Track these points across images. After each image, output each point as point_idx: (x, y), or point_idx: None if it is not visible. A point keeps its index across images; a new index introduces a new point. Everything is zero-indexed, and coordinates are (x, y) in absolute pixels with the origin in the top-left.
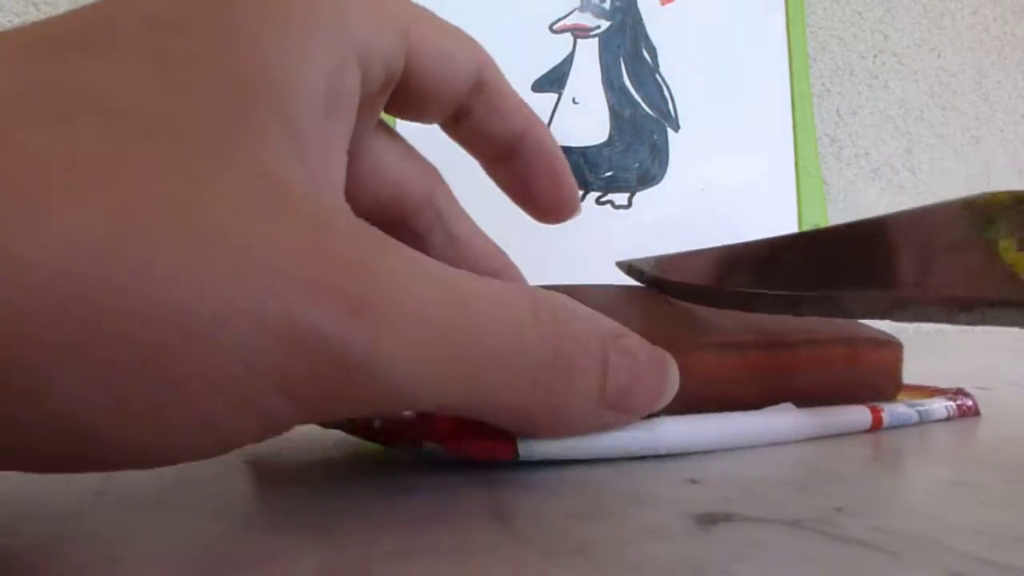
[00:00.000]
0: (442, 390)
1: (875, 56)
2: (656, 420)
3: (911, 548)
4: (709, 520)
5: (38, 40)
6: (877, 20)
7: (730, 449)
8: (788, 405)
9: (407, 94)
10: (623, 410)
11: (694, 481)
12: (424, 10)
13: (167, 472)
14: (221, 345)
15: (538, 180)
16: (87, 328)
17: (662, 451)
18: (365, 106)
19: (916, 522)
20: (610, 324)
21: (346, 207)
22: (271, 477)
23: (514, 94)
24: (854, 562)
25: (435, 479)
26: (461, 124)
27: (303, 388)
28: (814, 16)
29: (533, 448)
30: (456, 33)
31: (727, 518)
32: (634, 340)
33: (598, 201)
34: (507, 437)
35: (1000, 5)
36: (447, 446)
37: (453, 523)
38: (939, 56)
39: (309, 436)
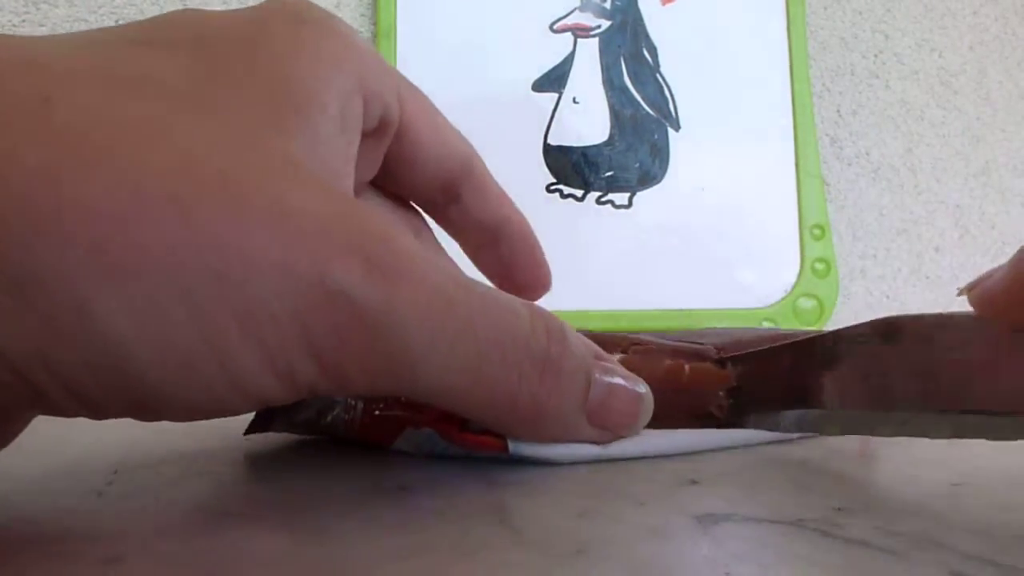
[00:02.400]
0: (446, 365)
1: (876, 56)
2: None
3: (911, 548)
4: (709, 520)
5: (105, 35)
6: (878, 20)
7: (729, 449)
8: None
9: (403, 150)
10: (601, 425)
11: (694, 481)
12: (420, 91)
13: (167, 472)
14: (250, 291)
15: (520, 264)
16: (127, 259)
17: (649, 453)
18: (371, 138)
19: (916, 522)
20: (595, 347)
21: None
22: (271, 478)
23: (498, 185)
24: (854, 562)
25: (436, 479)
26: (452, 209)
27: (323, 343)
28: (815, 16)
29: (523, 445)
30: (448, 123)
31: (727, 518)
32: (616, 366)
33: (598, 201)
34: (501, 440)
35: (1001, 5)
36: (440, 430)
37: (454, 523)
38: (940, 56)
39: (308, 439)
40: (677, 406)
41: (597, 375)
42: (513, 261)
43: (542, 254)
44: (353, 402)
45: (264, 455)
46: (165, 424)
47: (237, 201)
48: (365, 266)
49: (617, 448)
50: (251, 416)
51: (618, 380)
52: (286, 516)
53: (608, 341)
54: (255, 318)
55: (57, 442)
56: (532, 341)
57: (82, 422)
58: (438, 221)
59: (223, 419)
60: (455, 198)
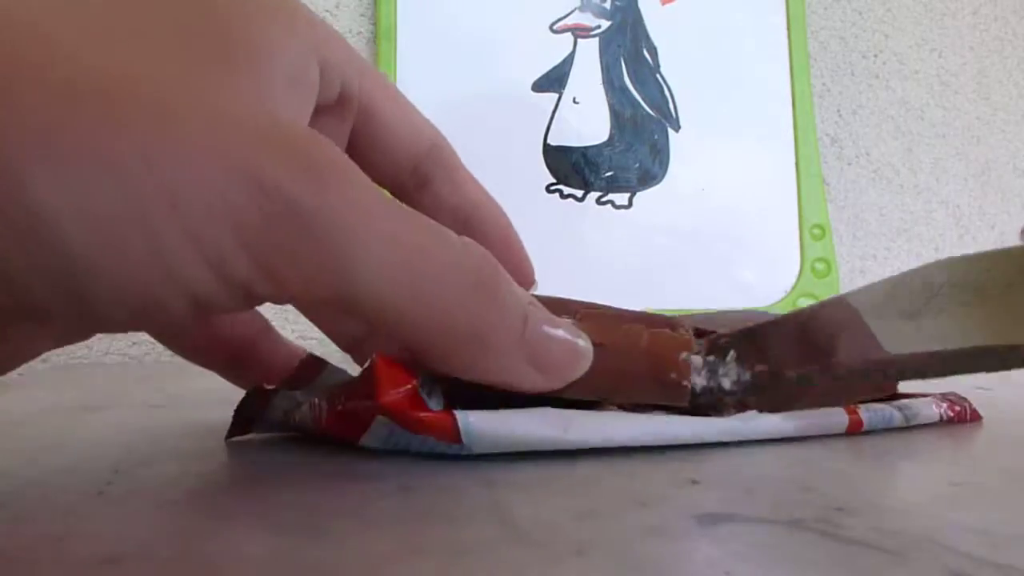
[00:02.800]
0: (380, 272)
1: (876, 56)
2: (610, 414)
3: (911, 548)
4: (709, 520)
5: None
6: (878, 20)
7: (729, 449)
8: (752, 412)
9: (368, 129)
10: (540, 367)
11: (694, 481)
12: (382, 74)
13: (167, 472)
14: (183, 183)
15: (494, 251)
16: (66, 142)
17: (614, 444)
18: (334, 114)
19: (916, 522)
20: (528, 295)
21: None
22: (272, 478)
23: (469, 173)
24: (854, 562)
25: (435, 479)
26: (423, 194)
27: (257, 237)
28: (815, 15)
29: (471, 428)
30: (413, 106)
31: (727, 518)
32: (553, 316)
33: (598, 201)
34: (449, 413)
35: (1001, 5)
36: (392, 413)
37: (453, 523)
38: (940, 56)
39: (305, 438)
40: (636, 370)
41: (532, 311)
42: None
43: (521, 247)
44: (317, 400)
45: (264, 456)
46: (165, 424)
47: (185, 104)
48: (301, 165)
49: (577, 435)
50: (247, 419)
51: (556, 329)
52: (286, 516)
53: (560, 305)
54: (183, 198)
55: (57, 442)
56: (464, 259)
57: (82, 422)
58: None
59: (223, 421)
60: (425, 182)
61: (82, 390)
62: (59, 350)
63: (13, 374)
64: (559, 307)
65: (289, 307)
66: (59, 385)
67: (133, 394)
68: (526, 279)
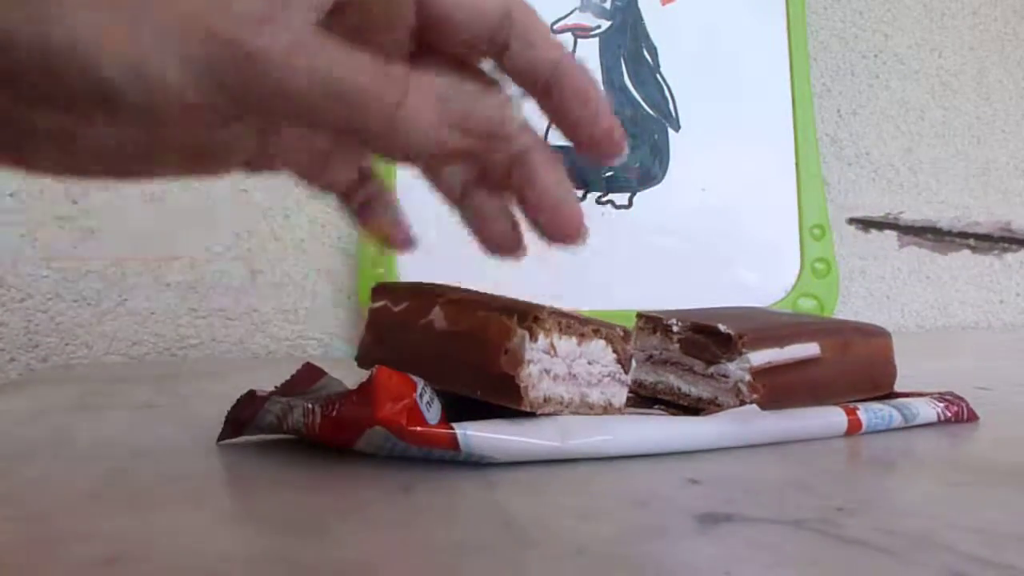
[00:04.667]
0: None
1: (876, 56)
2: (610, 419)
3: (911, 548)
4: (709, 520)
5: None
6: (878, 20)
7: (729, 449)
8: (753, 408)
9: (435, 18)
10: (455, 119)
11: (694, 481)
12: None
13: (167, 472)
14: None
15: (570, 114)
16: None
17: (613, 453)
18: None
19: (916, 522)
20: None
21: None
22: (270, 479)
23: (546, 32)
24: (854, 562)
25: (437, 480)
26: (504, 59)
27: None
28: (815, 16)
29: (470, 442)
30: None
31: (727, 518)
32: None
33: (598, 201)
34: (448, 428)
35: (1001, 5)
36: (390, 427)
37: (455, 523)
38: (940, 56)
39: (302, 441)
40: (467, 356)
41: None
42: (564, 111)
43: (597, 103)
44: (311, 406)
45: (265, 457)
46: (165, 424)
47: None
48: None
49: (575, 445)
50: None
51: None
52: (288, 516)
53: (427, 293)
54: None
55: (57, 442)
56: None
57: (82, 422)
58: (503, 72)
59: (222, 422)
60: (503, 50)
61: (82, 390)
62: (59, 350)
63: (13, 374)
64: (428, 294)
65: (289, 308)
66: (59, 385)
67: (133, 394)
68: (603, 146)
